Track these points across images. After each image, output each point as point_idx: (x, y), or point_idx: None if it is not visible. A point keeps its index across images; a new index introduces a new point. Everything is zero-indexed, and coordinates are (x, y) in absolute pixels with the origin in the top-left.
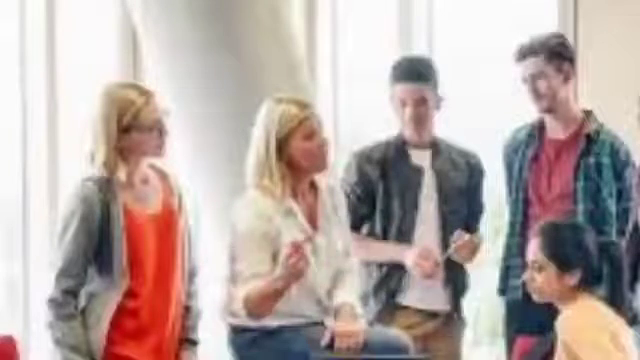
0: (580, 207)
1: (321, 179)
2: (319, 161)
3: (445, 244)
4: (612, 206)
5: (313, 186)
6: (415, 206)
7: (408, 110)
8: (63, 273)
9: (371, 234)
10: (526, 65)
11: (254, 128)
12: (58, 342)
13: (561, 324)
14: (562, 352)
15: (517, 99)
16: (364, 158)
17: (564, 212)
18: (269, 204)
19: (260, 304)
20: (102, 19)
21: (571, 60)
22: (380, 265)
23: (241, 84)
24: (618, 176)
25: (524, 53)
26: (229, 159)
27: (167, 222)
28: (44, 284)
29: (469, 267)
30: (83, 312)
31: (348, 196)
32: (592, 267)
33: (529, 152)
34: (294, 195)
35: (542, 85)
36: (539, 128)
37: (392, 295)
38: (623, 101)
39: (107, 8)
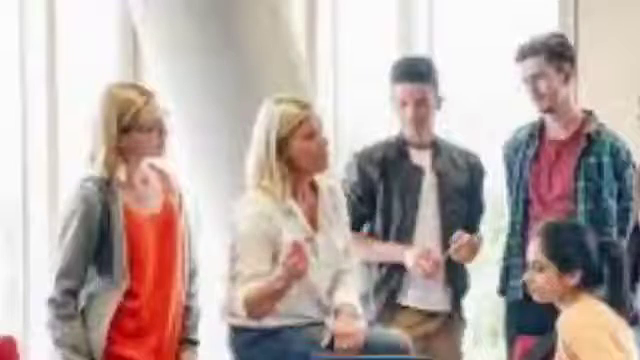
0: (580, 207)
1: (321, 179)
2: (319, 161)
3: (445, 244)
4: (612, 206)
5: (313, 186)
6: (415, 206)
7: (408, 110)
8: (63, 273)
9: (371, 234)
10: (526, 65)
11: (254, 128)
12: (58, 342)
13: (561, 324)
14: (562, 352)
15: (517, 99)
16: (365, 158)
17: (564, 212)
18: (269, 204)
19: (260, 304)
20: (102, 19)
21: (571, 60)
22: (380, 265)
23: (241, 84)
24: (618, 176)
25: (524, 53)
26: (229, 159)
27: (167, 222)
28: (44, 284)
29: (469, 267)
30: (83, 312)
31: (348, 196)
32: (592, 267)
33: (529, 152)
34: (294, 195)
35: (542, 85)
36: (539, 128)
37: (392, 295)
38: (623, 101)
39: (107, 8)
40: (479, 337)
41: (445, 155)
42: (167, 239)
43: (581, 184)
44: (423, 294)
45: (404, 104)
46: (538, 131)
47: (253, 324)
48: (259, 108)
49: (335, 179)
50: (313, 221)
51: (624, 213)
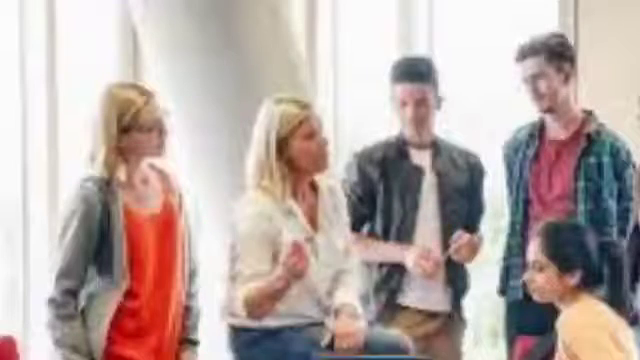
0: (580, 207)
1: (321, 179)
2: (319, 161)
3: (445, 244)
4: (612, 206)
5: (313, 186)
6: (415, 206)
7: (408, 110)
8: (63, 273)
9: (372, 234)
10: (526, 65)
11: (254, 128)
12: (58, 342)
13: (561, 324)
14: (562, 352)
15: (517, 99)
16: (365, 158)
17: (564, 212)
18: (269, 204)
19: (260, 304)
20: (102, 19)
21: (571, 60)
22: (380, 265)
23: (241, 84)
24: (618, 176)
25: (524, 53)
26: (229, 159)
27: (167, 222)
28: (44, 284)
29: (469, 267)
30: (83, 312)
31: (349, 196)
32: (592, 267)
33: (529, 152)
34: (294, 195)
35: (542, 85)
36: (539, 128)
37: (392, 295)
38: (623, 101)
39: (107, 8)
40: (479, 337)
41: (445, 155)
42: (167, 239)
43: (581, 184)
44: (423, 294)
45: (404, 104)
46: (538, 131)
47: (253, 324)
48: (259, 108)
49: (335, 179)
50: (313, 221)
51: (624, 213)
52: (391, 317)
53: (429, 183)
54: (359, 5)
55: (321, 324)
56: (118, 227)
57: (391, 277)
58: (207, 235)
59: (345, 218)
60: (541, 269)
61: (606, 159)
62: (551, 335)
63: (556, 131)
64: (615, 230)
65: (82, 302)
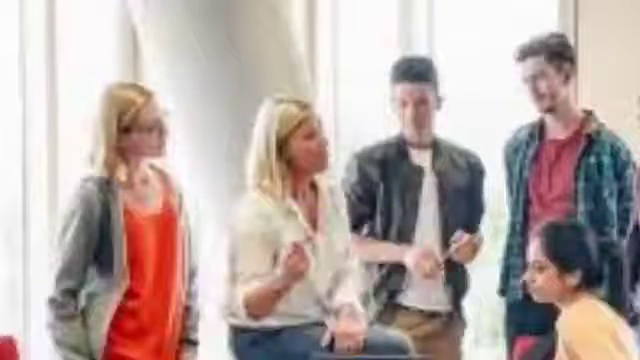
0: (580, 207)
1: (321, 179)
2: (319, 161)
3: (445, 244)
4: (612, 206)
5: (313, 186)
6: (415, 206)
7: (408, 110)
8: (63, 273)
9: (371, 234)
10: (526, 65)
11: (254, 128)
12: (58, 342)
13: (562, 324)
14: (563, 352)
15: (517, 99)
16: (365, 158)
17: (564, 212)
18: (269, 204)
19: (260, 304)
20: (102, 19)
21: (571, 60)
22: (380, 265)
23: (241, 84)
24: (619, 176)
25: (524, 53)
26: (229, 159)
27: (167, 222)
28: (44, 284)
29: (469, 267)
30: (83, 312)
31: (348, 196)
32: (593, 267)
33: (529, 152)
34: (294, 195)
35: (542, 85)
36: (540, 128)
37: (392, 295)
38: (623, 101)
39: (107, 8)
40: (479, 337)
41: (445, 155)
42: (167, 239)
43: (581, 184)
44: (423, 294)
45: (404, 104)
46: (538, 131)
47: (253, 324)
48: (259, 108)
49: (335, 179)
50: (313, 221)
51: (624, 213)
52: (391, 317)
53: (429, 183)
54: (359, 5)
55: (321, 324)
56: (118, 227)
57: (391, 277)
58: (207, 235)
59: (345, 218)
60: (541, 269)
61: (606, 159)
62: (551, 335)
63: (556, 131)
64: (615, 230)
65: (82, 302)
